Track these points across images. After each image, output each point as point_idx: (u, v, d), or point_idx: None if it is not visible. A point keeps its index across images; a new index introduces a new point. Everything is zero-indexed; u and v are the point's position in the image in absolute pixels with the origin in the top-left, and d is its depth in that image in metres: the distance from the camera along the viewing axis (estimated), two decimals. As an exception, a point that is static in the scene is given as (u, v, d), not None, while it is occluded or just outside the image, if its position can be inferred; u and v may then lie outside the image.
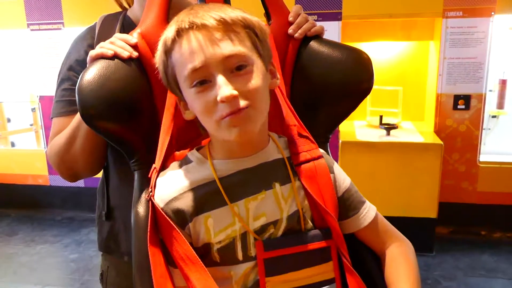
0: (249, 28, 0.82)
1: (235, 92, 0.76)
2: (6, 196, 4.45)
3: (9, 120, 4.64)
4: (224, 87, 0.76)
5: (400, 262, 0.91)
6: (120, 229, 1.22)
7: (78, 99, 0.89)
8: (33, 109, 4.33)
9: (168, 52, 0.82)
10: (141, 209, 0.93)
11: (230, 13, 0.80)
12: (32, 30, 3.94)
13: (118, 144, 0.96)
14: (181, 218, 0.85)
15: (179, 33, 0.79)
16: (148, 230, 0.86)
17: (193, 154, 0.92)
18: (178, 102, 0.90)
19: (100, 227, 1.28)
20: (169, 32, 0.81)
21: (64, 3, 3.80)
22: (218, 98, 0.76)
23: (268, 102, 0.85)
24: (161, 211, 0.85)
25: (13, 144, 4.70)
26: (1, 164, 4.38)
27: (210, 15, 0.78)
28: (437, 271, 3.08)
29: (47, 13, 3.85)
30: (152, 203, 0.87)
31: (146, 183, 0.95)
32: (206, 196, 0.86)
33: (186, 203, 0.85)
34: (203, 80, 0.78)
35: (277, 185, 0.88)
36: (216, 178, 0.86)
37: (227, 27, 0.78)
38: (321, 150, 0.95)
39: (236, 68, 0.78)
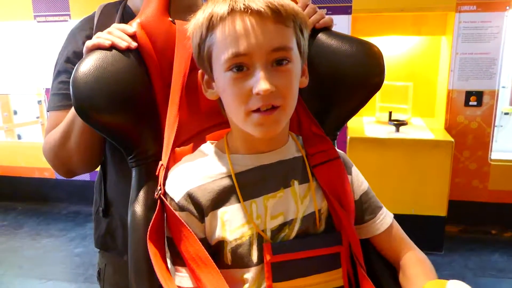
0: (297, 23, 0.79)
1: (273, 88, 0.74)
2: (12, 189, 4.44)
3: (15, 113, 4.63)
4: (262, 81, 0.73)
5: (418, 266, 0.88)
6: (118, 225, 1.19)
7: (73, 92, 0.84)
8: (39, 102, 4.32)
9: (211, 28, 0.77)
10: (138, 208, 0.89)
11: (285, 4, 0.76)
12: (38, 22, 3.91)
13: (114, 140, 0.91)
14: (200, 210, 0.82)
15: (231, 13, 0.75)
16: (149, 228, 0.82)
17: (208, 147, 0.89)
18: (200, 78, 0.87)
19: (97, 224, 1.24)
20: (219, 8, 0.76)
21: (70, -5, 3.79)
22: (255, 91, 0.74)
23: (295, 101, 0.82)
24: (172, 209, 0.81)
25: (19, 137, 4.70)
26: (7, 157, 4.37)
27: (265, 2, 0.74)
28: (446, 271, 3.03)
29: (53, 5, 3.83)
30: (161, 201, 0.83)
31: (144, 180, 0.92)
32: (224, 191, 0.83)
33: (203, 196, 0.82)
34: (241, 66, 0.75)
35: (295, 183, 0.86)
36: (232, 173, 0.83)
37: (280, 19, 0.75)
38: (340, 151, 0.93)
39: (277, 62, 0.76)
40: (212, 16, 0.76)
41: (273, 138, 0.84)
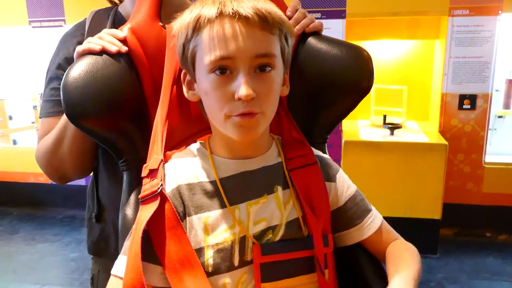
0: (283, 31, 0.80)
1: (254, 94, 0.75)
2: (8, 194, 4.43)
3: (10, 118, 4.61)
4: (244, 86, 0.74)
5: (402, 252, 0.87)
6: (111, 231, 1.19)
7: (63, 97, 0.85)
8: (35, 107, 4.30)
9: (197, 29, 0.78)
10: (129, 211, 0.90)
11: (272, 11, 0.77)
12: (33, 27, 3.92)
13: (106, 144, 0.92)
14: (182, 209, 0.82)
15: (219, 16, 0.75)
16: (141, 227, 0.78)
17: (197, 148, 0.89)
18: (182, 78, 0.87)
19: (90, 230, 1.24)
20: (207, 10, 0.76)
21: (65, 0, 3.78)
22: (236, 96, 0.74)
23: (276, 108, 0.83)
24: (172, 206, 0.79)
25: (14, 142, 4.68)
26: (2, 162, 4.36)
27: (253, 9, 0.75)
28: (441, 274, 3.04)
29: (48, 10, 3.83)
30: (161, 196, 0.79)
31: (135, 184, 0.92)
32: (208, 195, 0.83)
33: (189, 196, 0.82)
34: (225, 69, 0.76)
35: (279, 188, 0.86)
36: (216, 179, 0.83)
37: (266, 26, 0.76)
38: (326, 156, 0.93)
39: (260, 68, 0.77)
40: (199, 18, 0.77)
41: (255, 142, 0.85)
